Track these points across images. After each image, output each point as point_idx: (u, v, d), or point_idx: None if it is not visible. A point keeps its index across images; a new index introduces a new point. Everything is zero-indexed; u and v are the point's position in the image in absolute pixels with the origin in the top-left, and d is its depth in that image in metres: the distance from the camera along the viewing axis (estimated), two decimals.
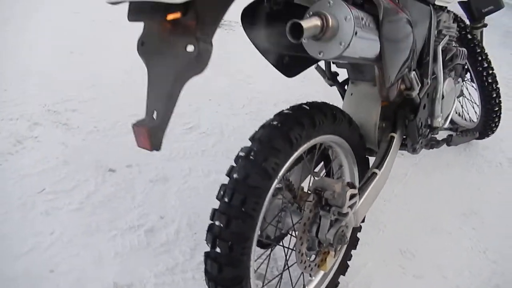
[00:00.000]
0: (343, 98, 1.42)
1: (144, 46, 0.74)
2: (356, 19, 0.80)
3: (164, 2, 0.63)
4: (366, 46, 0.89)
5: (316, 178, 1.15)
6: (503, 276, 1.44)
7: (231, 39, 3.21)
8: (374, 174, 1.17)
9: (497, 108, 1.86)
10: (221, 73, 2.78)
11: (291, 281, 1.20)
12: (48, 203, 1.55)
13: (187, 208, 1.61)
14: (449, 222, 1.67)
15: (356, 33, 0.80)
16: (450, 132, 1.95)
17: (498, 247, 1.56)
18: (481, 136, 1.99)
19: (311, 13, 0.82)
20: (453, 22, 1.49)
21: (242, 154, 0.92)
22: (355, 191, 1.05)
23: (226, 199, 0.89)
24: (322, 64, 1.40)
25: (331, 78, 1.40)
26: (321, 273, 1.24)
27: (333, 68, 1.41)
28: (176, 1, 0.63)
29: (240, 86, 2.62)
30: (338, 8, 0.80)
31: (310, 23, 0.77)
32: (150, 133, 0.71)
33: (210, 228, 0.91)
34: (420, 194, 1.81)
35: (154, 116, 0.72)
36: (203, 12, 0.69)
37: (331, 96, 1.52)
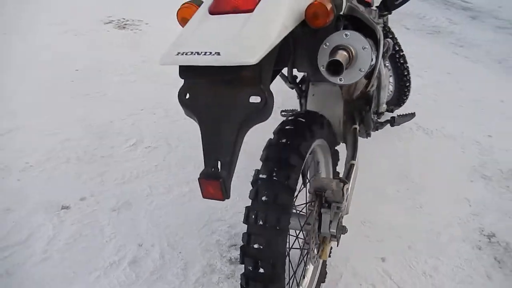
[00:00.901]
0: (299, 98, 1.49)
1: (191, 99, 0.73)
2: (371, 47, 0.87)
3: (239, 65, 0.63)
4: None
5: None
6: (437, 223, 1.67)
7: (142, 40, 3.06)
8: (353, 165, 1.27)
9: (408, 84, 2.13)
10: (144, 79, 2.65)
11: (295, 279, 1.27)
12: (6, 262, 1.37)
13: (162, 229, 1.56)
14: (388, 188, 1.88)
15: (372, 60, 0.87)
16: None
17: (430, 200, 1.81)
18: (396, 107, 2.26)
19: (330, 46, 0.87)
20: None
21: (263, 176, 0.93)
22: (348, 184, 1.14)
23: (260, 222, 0.90)
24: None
25: (292, 81, 1.46)
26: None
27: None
28: (252, 62, 0.63)
29: (168, 90, 2.53)
30: (357, 39, 0.86)
31: (343, 58, 0.82)
32: (223, 185, 0.70)
33: (247, 251, 0.92)
34: (360, 169, 1.99)
35: (219, 166, 0.72)
36: (264, 64, 0.69)
37: None
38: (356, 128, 1.39)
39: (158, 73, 2.67)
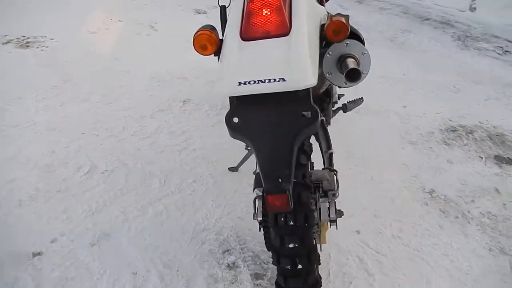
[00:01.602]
0: None
1: (242, 123, 0.76)
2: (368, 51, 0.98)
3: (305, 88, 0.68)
4: None
5: None
6: (389, 190, 1.90)
7: (55, 58, 2.81)
8: (332, 154, 1.39)
9: None
10: (72, 100, 2.47)
11: None
12: None
13: (152, 251, 1.53)
14: (342, 167, 2.06)
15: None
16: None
17: (377, 171, 2.05)
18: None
19: (334, 54, 0.96)
20: None
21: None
22: (336, 173, 1.26)
23: (291, 223, 0.97)
24: None
25: None
26: None
27: None
28: (314, 83, 0.68)
29: (103, 108, 2.40)
30: (357, 47, 0.95)
31: (355, 65, 0.91)
32: (289, 197, 0.75)
33: (283, 251, 0.98)
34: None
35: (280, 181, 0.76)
36: None
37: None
38: (323, 119, 1.51)
39: (86, 91, 2.51)
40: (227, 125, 0.81)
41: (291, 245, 0.97)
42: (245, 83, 0.75)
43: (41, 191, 1.77)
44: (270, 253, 1.48)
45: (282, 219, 0.98)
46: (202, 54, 0.88)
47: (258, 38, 0.82)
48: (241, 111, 0.79)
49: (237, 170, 1.94)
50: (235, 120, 0.79)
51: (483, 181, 1.98)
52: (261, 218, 1.26)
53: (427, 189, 1.92)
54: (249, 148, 1.81)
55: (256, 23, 0.82)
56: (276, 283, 1.04)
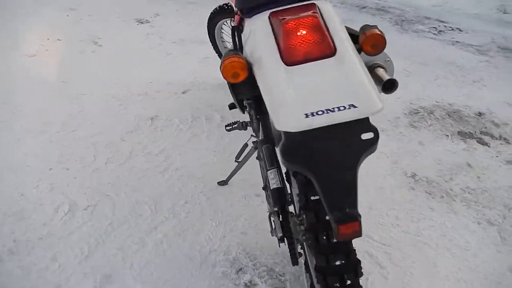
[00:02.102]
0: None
1: (302, 153, 0.71)
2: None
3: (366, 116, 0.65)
4: None
5: None
6: (376, 180, 1.97)
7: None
8: None
9: None
10: (30, 132, 2.24)
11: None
12: None
13: (162, 286, 1.44)
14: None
15: None
16: None
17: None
18: None
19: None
20: None
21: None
22: None
23: (334, 240, 0.95)
24: None
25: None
26: None
27: None
28: (382, 106, 0.65)
29: (65, 137, 2.21)
30: (380, 54, 0.94)
31: (389, 75, 0.89)
32: (360, 223, 0.73)
33: (330, 270, 0.96)
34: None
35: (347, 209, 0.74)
36: None
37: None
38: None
39: (42, 122, 2.29)
40: (285, 159, 0.76)
41: (338, 262, 0.95)
42: (312, 114, 0.70)
43: (20, 242, 1.59)
44: (283, 264, 1.47)
45: (324, 237, 0.96)
46: (232, 82, 0.83)
47: (302, 62, 0.78)
48: (302, 142, 0.75)
49: (226, 184, 1.89)
50: (296, 152, 0.75)
51: (455, 158, 2.11)
52: (281, 234, 1.23)
53: (409, 174, 2.00)
54: (239, 160, 1.76)
55: (296, 45, 0.77)
56: None
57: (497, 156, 2.13)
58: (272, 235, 1.31)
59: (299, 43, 0.77)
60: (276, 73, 0.78)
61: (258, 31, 0.86)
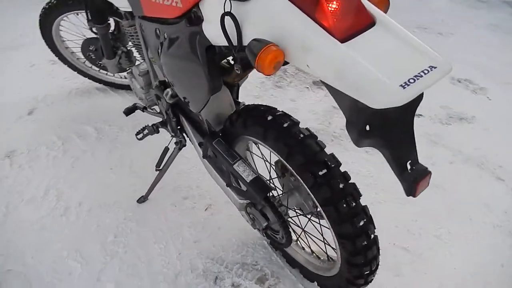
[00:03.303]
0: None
1: (374, 128, 0.70)
2: None
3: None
4: None
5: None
6: None
7: None
8: None
9: None
10: None
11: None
12: None
13: None
14: None
15: None
16: None
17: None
18: None
19: None
20: None
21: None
22: None
23: (353, 203, 1.01)
24: None
25: None
26: None
27: None
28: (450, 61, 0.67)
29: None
30: None
31: None
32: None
33: (357, 231, 1.01)
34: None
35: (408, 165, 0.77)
36: None
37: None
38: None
39: None
40: (357, 136, 0.72)
41: (361, 223, 1.01)
42: (406, 84, 0.65)
43: None
44: (250, 254, 1.47)
45: (344, 205, 0.99)
46: (270, 75, 0.74)
47: (352, 36, 0.72)
48: (375, 116, 0.71)
49: (147, 199, 1.70)
50: (367, 128, 0.72)
51: (323, 105, 2.40)
52: (266, 223, 1.23)
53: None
54: (160, 168, 1.60)
55: (341, 20, 0.70)
56: (352, 264, 1.07)
57: (325, 96, 2.48)
58: (254, 228, 1.29)
59: (341, 18, 0.72)
60: (337, 52, 0.70)
61: (283, 12, 0.75)
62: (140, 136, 1.56)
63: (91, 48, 2.07)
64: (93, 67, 2.27)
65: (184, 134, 1.51)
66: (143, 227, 1.58)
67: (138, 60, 2.12)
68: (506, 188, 1.87)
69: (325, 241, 1.30)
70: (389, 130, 0.74)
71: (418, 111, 2.47)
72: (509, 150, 2.09)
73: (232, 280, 1.41)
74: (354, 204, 0.99)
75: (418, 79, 0.65)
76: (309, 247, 1.38)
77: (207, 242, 1.54)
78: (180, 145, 1.53)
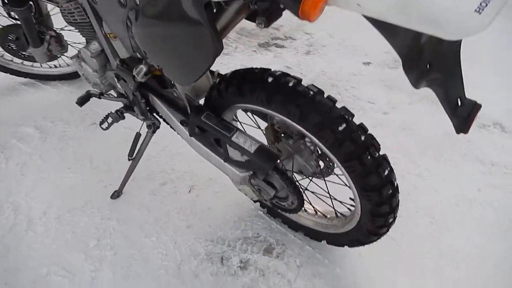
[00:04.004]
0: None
1: (434, 65, 0.65)
2: None
3: None
4: None
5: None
6: None
7: None
8: None
9: None
10: None
11: None
12: None
13: None
14: None
15: None
16: None
17: None
18: None
19: None
20: None
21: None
22: None
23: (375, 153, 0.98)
24: None
25: None
26: None
27: None
28: None
29: None
30: None
31: None
32: None
33: (382, 184, 0.98)
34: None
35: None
36: None
37: None
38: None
39: None
40: (418, 74, 0.65)
41: (386, 172, 0.98)
42: (479, 9, 0.58)
43: None
44: (249, 227, 1.42)
45: (369, 157, 0.95)
46: (314, 21, 0.64)
47: None
48: (436, 52, 0.65)
49: (121, 193, 1.53)
50: (428, 66, 0.66)
51: (274, 65, 2.34)
52: (274, 192, 1.16)
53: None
54: (133, 157, 1.45)
55: None
56: (377, 215, 1.04)
57: (275, 57, 2.45)
58: (262, 199, 1.22)
59: None
60: None
61: None
62: (105, 125, 1.37)
63: (10, 38, 1.78)
64: (15, 59, 1.95)
65: (155, 115, 1.36)
66: (126, 223, 1.43)
67: (71, 44, 1.87)
68: None
69: (331, 198, 1.26)
70: (445, 66, 0.70)
71: (366, 60, 2.59)
72: None
73: (240, 257, 1.34)
74: (377, 154, 0.96)
75: (489, 1, 0.60)
76: (314, 209, 1.34)
77: (201, 225, 1.44)
78: (154, 127, 1.38)
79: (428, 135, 1.86)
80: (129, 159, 1.43)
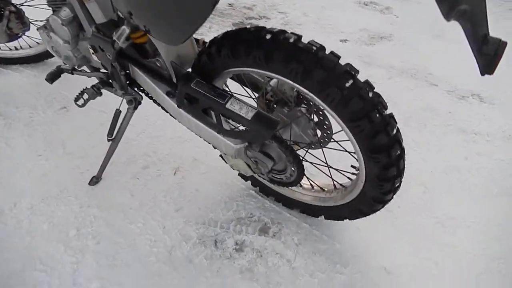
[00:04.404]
0: None
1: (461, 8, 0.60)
2: None
3: None
4: None
5: None
6: None
7: None
8: None
9: None
10: None
11: None
12: None
13: None
14: None
15: None
16: None
17: None
18: None
19: None
20: None
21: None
22: None
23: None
24: None
25: None
26: None
27: None
28: None
29: None
30: None
31: None
32: None
33: (389, 144, 0.93)
34: None
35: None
36: None
37: None
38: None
39: None
40: (450, 5, 0.60)
41: (394, 131, 0.92)
42: None
43: None
44: (242, 207, 1.35)
45: (377, 114, 0.89)
46: None
47: None
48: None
49: (101, 178, 1.41)
50: (453, 8, 0.61)
51: None
52: (273, 163, 1.09)
53: None
54: (112, 138, 1.32)
55: None
56: (384, 179, 0.98)
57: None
58: (258, 173, 1.14)
59: None
60: None
61: None
62: (80, 102, 1.24)
63: None
64: None
65: (136, 90, 1.25)
66: (108, 210, 1.31)
67: (32, 22, 1.69)
68: (442, 91, 1.99)
69: (330, 168, 1.20)
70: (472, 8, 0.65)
71: (343, 37, 2.54)
72: (431, 58, 2.22)
73: (234, 239, 1.26)
74: (385, 112, 0.90)
75: None
76: (310, 183, 1.27)
77: (191, 207, 1.34)
78: (135, 103, 1.26)
79: (410, 108, 1.84)
80: (108, 140, 1.31)
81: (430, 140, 1.68)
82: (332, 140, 1.13)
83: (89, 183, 1.38)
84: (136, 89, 1.24)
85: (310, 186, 1.28)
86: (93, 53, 1.19)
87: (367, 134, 0.90)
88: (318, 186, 1.26)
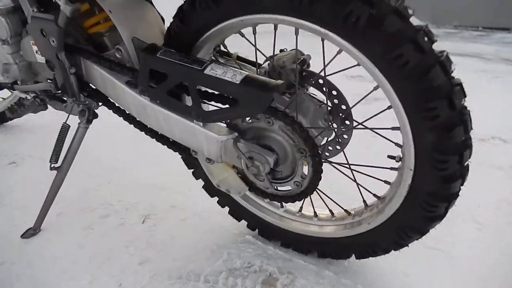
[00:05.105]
0: None
1: None
2: None
3: None
4: None
5: None
6: None
7: None
8: None
9: None
10: None
11: None
12: None
13: None
14: None
15: None
16: None
17: None
18: None
19: None
20: None
21: None
22: None
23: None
24: None
25: None
26: None
27: None
28: None
29: None
30: None
31: None
32: None
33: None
34: None
35: None
36: None
37: None
38: None
39: None
40: None
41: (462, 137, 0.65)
42: None
43: None
44: (241, 257, 0.96)
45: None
46: None
47: None
48: None
49: (39, 230, 1.02)
50: None
51: None
52: (275, 156, 0.77)
53: None
54: (58, 165, 0.98)
55: None
56: (447, 179, 0.67)
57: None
58: (256, 177, 0.80)
59: None
60: None
61: None
62: (15, 115, 0.94)
63: None
64: None
65: (89, 97, 0.95)
66: (41, 266, 0.89)
67: None
68: None
69: (351, 169, 0.85)
70: None
71: None
72: None
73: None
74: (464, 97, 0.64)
75: None
76: (328, 208, 0.91)
77: (162, 258, 0.94)
78: (89, 114, 0.95)
79: None
80: (51, 168, 0.96)
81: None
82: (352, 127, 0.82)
83: (22, 236, 0.98)
84: (89, 95, 0.94)
85: (329, 214, 0.91)
86: (36, 52, 0.93)
87: (445, 123, 0.63)
88: (341, 208, 0.89)
